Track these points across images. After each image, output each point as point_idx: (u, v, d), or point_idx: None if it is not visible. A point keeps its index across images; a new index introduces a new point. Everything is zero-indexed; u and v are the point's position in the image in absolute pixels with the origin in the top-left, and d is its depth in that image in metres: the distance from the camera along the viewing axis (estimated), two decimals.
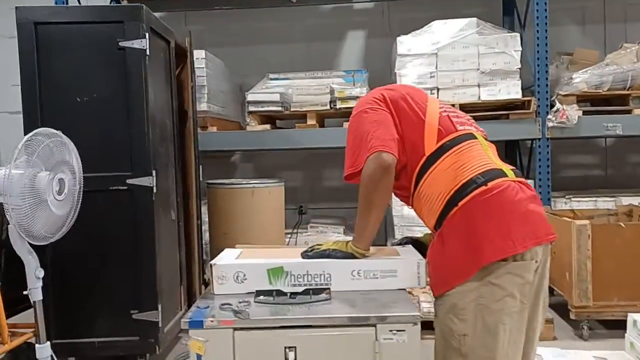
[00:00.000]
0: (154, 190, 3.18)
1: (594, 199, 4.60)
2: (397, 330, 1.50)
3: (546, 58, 4.38)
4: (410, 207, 1.87)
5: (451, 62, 4.44)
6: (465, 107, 4.44)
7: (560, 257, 3.65)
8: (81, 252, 3.10)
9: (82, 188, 2.61)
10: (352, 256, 1.77)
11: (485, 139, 1.84)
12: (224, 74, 5.32)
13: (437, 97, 4.50)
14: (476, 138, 1.79)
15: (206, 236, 4.52)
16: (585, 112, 4.38)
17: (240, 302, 1.63)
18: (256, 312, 1.55)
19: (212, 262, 1.77)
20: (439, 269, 1.68)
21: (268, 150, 5.17)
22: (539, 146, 4.43)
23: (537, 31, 4.37)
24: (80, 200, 2.59)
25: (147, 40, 3.12)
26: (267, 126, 4.76)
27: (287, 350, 1.51)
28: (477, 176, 1.67)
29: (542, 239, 1.63)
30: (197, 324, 1.51)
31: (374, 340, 1.50)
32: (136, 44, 3.13)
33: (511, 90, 4.40)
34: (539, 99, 4.41)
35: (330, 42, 5.86)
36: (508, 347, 1.61)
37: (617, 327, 3.58)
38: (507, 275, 1.59)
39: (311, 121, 4.67)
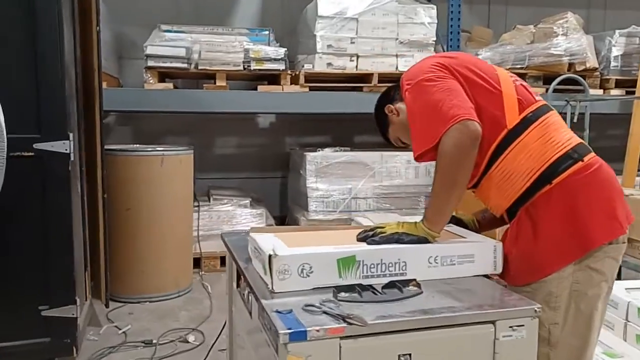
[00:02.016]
0: (71, 158, 2.57)
1: None
2: (517, 326, 1.33)
3: (458, 33, 4.48)
4: (471, 189, 1.67)
5: (371, 29, 4.32)
6: (383, 77, 4.38)
7: None
8: None
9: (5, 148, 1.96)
10: (425, 240, 1.55)
11: None
12: (106, 21, 4.53)
13: (357, 65, 4.37)
14: (552, 109, 1.66)
15: None
16: None
17: (324, 302, 1.32)
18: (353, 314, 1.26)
19: (271, 252, 1.41)
20: (531, 255, 1.52)
21: (170, 112, 4.57)
22: None
23: (451, 5, 4.44)
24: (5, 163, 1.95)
25: None
26: (170, 85, 4.19)
27: (401, 358, 1.25)
28: (571, 151, 1.53)
29: (631, 219, 1.58)
30: (300, 336, 1.17)
31: (493, 339, 1.31)
32: None
33: None
34: None
35: None
36: (597, 332, 1.55)
37: None
38: (606, 259, 1.50)
39: (221, 82, 4.21)
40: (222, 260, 4.52)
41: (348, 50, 4.30)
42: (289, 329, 1.18)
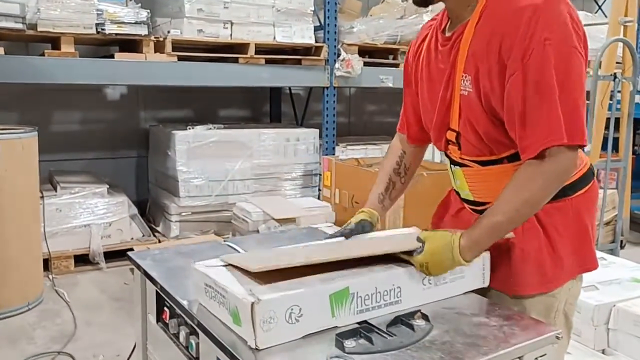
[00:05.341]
0: None
1: (364, 147, 4.83)
2: (540, 356, 1.16)
3: (336, 4, 4.26)
4: (496, 164, 1.36)
5: None
6: (261, 48, 4.01)
7: None
8: None
9: None
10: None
11: None
12: None
13: (231, 33, 3.94)
14: None
15: None
16: (364, 64, 4.47)
17: (332, 358, 1.01)
18: None
19: (251, 298, 1.05)
20: (543, 265, 1.34)
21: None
22: (327, 95, 4.36)
23: None
24: None
25: None
26: (0, 50, 3.35)
27: None
28: (592, 167, 1.42)
29: None
30: None
31: None
32: None
33: (305, 34, 4.15)
34: (328, 47, 4.29)
35: None
36: None
37: None
38: None
39: (68, 48, 3.48)
40: (77, 259, 3.87)
41: (221, 16, 3.84)
42: None
